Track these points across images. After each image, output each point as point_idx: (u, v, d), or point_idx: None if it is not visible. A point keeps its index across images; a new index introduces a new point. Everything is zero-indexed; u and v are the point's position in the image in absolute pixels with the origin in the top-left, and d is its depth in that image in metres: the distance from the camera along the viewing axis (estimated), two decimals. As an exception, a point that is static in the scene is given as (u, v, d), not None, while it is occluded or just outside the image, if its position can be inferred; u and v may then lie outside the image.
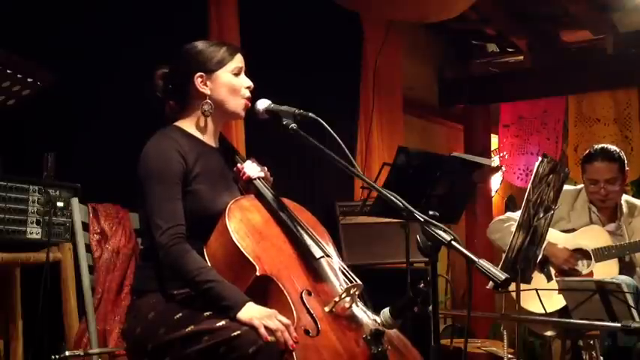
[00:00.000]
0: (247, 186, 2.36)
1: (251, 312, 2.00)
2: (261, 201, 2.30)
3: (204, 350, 1.98)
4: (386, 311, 2.09)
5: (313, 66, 4.51)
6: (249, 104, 2.32)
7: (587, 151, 3.78)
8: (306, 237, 2.23)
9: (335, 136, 2.12)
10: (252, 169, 2.34)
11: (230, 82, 2.29)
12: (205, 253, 2.15)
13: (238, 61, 2.31)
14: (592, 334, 3.50)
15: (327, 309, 2.09)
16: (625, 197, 3.81)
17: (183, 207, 2.16)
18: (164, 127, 2.30)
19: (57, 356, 2.51)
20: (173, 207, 2.13)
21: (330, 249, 2.33)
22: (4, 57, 2.38)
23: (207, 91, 2.28)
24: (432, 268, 1.87)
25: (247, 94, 2.31)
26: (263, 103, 2.30)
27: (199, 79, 2.27)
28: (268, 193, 2.30)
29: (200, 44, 2.32)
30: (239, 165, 2.36)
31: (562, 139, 6.30)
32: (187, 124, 2.31)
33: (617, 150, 3.72)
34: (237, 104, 2.30)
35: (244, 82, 2.31)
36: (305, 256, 2.21)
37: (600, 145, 3.77)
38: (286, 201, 2.34)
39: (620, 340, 3.22)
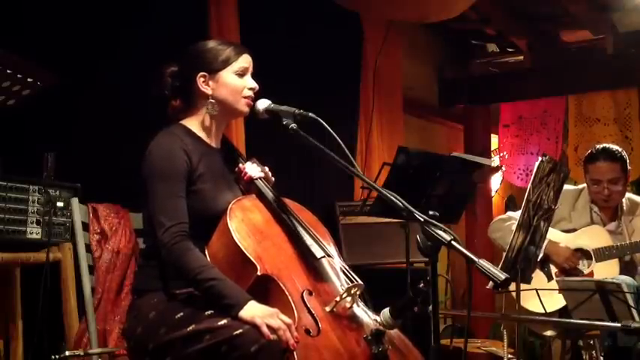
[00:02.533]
0: (248, 186, 2.36)
1: (253, 310, 2.00)
2: (262, 201, 2.30)
3: (205, 349, 1.98)
4: (386, 311, 2.09)
5: (313, 66, 4.50)
6: (252, 103, 2.33)
7: (590, 151, 3.78)
8: (307, 237, 2.23)
9: (335, 136, 2.12)
10: (253, 169, 2.35)
11: (233, 82, 2.29)
12: (207, 253, 2.15)
13: (244, 61, 2.31)
14: (592, 334, 3.50)
15: (328, 309, 2.09)
16: (627, 195, 3.79)
17: (187, 206, 2.16)
18: (166, 126, 2.30)
19: (57, 356, 2.51)
20: (176, 205, 2.14)
21: (332, 249, 2.33)
22: (4, 57, 2.37)
23: (209, 90, 2.28)
24: (432, 268, 1.87)
25: (250, 94, 2.31)
26: (263, 103, 2.31)
27: (202, 79, 2.28)
28: (269, 193, 2.30)
29: (207, 43, 2.33)
30: (241, 165, 2.37)
31: (562, 139, 6.30)
32: (192, 124, 2.32)
33: (620, 150, 3.72)
34: (239, 104, 2.30)
35: (248, 83, 2.31)
36: (306, 255, 2.21)
37: (602, 145, 3.76)
38: (287, 201, 2.35)
39: (620, 340, 3.22)
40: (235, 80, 2.29)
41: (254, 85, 2.32)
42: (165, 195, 2.14)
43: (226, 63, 2.28)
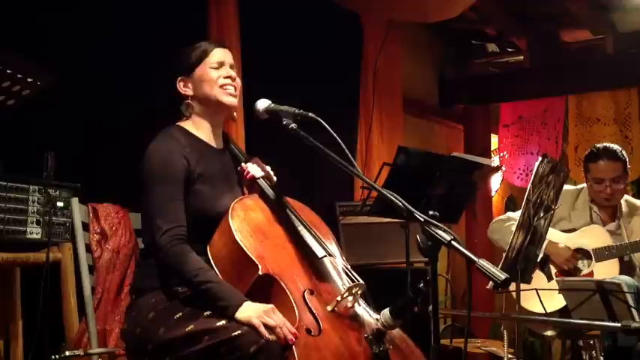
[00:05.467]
0: (251, 185, 2.36)
1: (248, 311, 2.00)
2: (264, 200, 2.31)
3: (204, 350, 1.98)
4: (386, 311, 2.09)
5: (313, 66, 4.50)
6: (233, 90, 2.32)
7: (590, 151, 3.77)
8: (309, 236, 2.24)
9: (335, 136, 2.12)
10: (255, 168, 2.35)
11: (208, 74, 2.29)
12: (209, 252, 2.16)
13: (217, 55, 2.32)
14: (592, 334, 3.50)
15: (329, 308, 2.09)
16: (625, 197, 3.81)
17: (185, 207, 2.17)
18: (165, 127, 2.31)
19: (57, 356, 2.51)
20: (174, 208, 2.14)
21: (334, 248, 2.34)
22: (4, 57, 2.37)
23: (189, 92, 2.31)
24: (432, 268, 1.87)
25: (225, 81, 2.30)
26: (263, 103, 2.31)
27: (181, 83, 2.31)
28: (272, 193, 2.31)
29: (183, 50, 2.35)
30: (243, 164, 2.37)
31: (562, 139, 6.30)
32: (188, 125, 2.33)
33: (620, 149, 3.73)
34: (217, 94, 2.29)
35: (223, 73, 2.30)
36: (308, 255, 2.21)
37: (603, 145, 3.77)
38: (290, 200, 2.36)
39: (620, 340, 3.22)
40: (210, 72, 2.30)
41: (230, 74, 2.31)
42: (163, 198, 2.14)
43: (200, 60, 2.30)
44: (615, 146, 3.74)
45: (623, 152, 3.71)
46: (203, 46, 2.33)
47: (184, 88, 2.31)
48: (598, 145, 3.77)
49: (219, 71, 2.31)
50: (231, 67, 2.34)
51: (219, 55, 2.32)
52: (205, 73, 2.29)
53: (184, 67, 2.31)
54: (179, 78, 2.31)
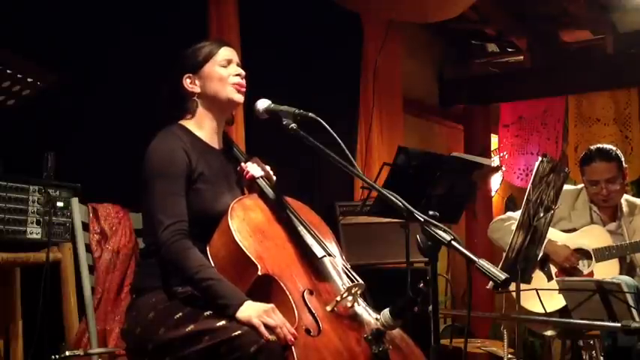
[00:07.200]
0: (251, 185, 2.36)
1: (249, 311, 2.00)
2: (264, 200, 2.30)
3: (204, 350, 1.98)
4: (386, 311, 2.09)
5: (313, 66, 4.50)
6: (243, 89, 2.33)
7: (584, 153, 3.78)
8: (308, 236, 2.24)
9: (335, 136, 2.12)
10: (255, 168, 2.35)
11: (217, 72, 2.30)
12: (208, 252, 2.16)
13: (225, 53, 2.33)
14: (592, 334, 3.50)
15: (328, 308, 2.09)
16: (625, 196, 3.81)
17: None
18: (166, 126, 2.31)
19: (57, 356, 2.51)
20: (176, 203, 2.14)
21: (334, 248, 2.34)
22: (4, 57, 2.38)
23: (196, 89, 2.31)
24: (432, 268, 1.87)
25: (237, 80, 2.32)
26: (263, 103, 2.31)
27: (188, 80, 2.31)
28: (271, 193, 2.31)
29: (187, 49, 2.35)
30: (242, 164, 2.37)
31: (562, 139, 6.30)
32: (190, 124, 2.33)
33: (614, 149, 3.72)
34: (228, 91, 2.31)
35: (232, 71, 2.32)
36: (308, 255, 2.21)
37: (596, 146, 3.77)
38: (290, 200, 2.35)
39: (620, 340, 3.22)
40: (220, 70, 2.31)
41: (239, 71, 2.33)
42: (164, 193, 2.14)
43: (208, 58, 2.31)
44: (608, 146, 3.74)
45: (617, 152, 3.71)
46: (209, 45, 2.34)
47: (191, 85, 2.31)
48: (591, 147, 3.77)
49: (228, 69, 2.32)
50: (237, 64, 2.36)
51: (227, 53, 2.34)
52: (214, 71, 2.30)
53: (191, 65, 2.31)
54: (186, 75, 2.31)
